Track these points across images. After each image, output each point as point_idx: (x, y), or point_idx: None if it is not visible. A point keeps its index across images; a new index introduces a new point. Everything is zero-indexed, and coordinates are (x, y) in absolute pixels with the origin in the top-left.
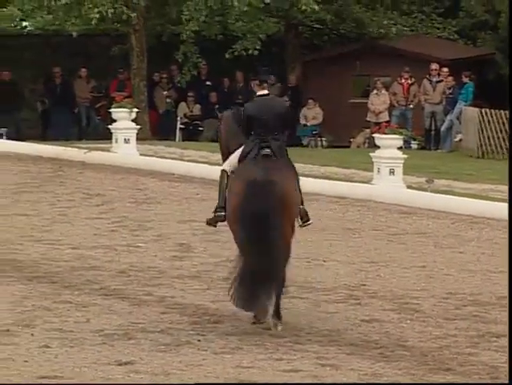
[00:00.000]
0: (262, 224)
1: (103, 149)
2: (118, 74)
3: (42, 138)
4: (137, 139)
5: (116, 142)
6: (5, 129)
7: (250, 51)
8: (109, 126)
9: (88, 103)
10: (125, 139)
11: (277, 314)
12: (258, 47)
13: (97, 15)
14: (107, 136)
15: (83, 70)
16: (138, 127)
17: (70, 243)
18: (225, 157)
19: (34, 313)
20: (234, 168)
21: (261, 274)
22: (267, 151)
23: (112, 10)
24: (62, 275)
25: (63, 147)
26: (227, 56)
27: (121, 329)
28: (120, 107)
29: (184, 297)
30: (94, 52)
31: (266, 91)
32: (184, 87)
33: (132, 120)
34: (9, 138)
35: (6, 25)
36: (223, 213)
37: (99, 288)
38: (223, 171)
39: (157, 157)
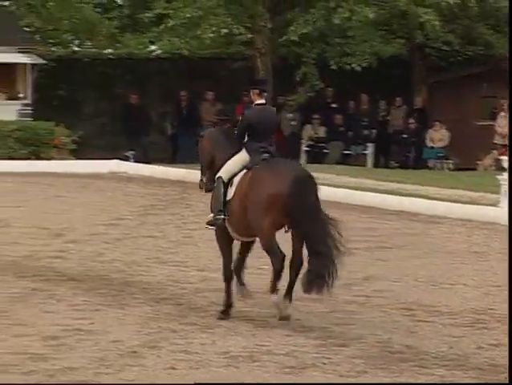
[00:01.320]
0: (317, 215)
1: None
2: (243, 97)
3: (171, 161)
4: None
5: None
6: (132, 152)
7: (362, 68)
8: None
9: (214, 126)
10: None
11: (289, 295)
12: (364, 64)
13: (211, 35)
14: None
15: (210, 93)
16: None
17: (195, 265)
18: (205, 169)
19: (160, 334)
20: (251, 170)
21: (324, 258)
22: (266, 155)
23: (227, 30)
24: (187, 297)
25: (189, 170)
26: (333, 67)
27: (246, 351)
28: None
29: (309, 320)
30: (220, 75)
31: (263, 101)
32: (307, 108)
33: None
34: (136, 161)
35: (135, 49)
36: (222, 216)
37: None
38: (219, 178)
39: None
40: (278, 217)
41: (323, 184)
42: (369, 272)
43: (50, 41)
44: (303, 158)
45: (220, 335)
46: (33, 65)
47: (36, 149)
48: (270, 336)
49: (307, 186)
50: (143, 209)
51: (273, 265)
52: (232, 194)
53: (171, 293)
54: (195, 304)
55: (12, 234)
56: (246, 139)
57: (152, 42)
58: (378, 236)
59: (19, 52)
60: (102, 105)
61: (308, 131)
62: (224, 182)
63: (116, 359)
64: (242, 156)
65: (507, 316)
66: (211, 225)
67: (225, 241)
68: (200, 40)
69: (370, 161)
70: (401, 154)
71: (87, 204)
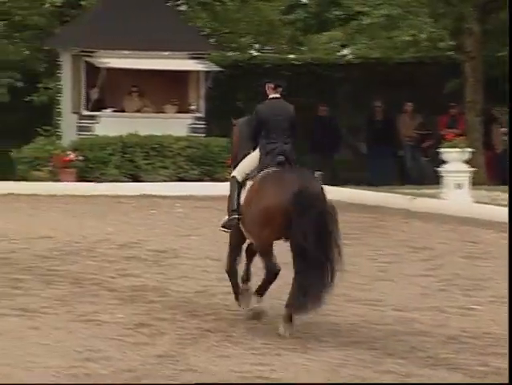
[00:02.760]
0: (324, 233)
1: (430, 196)
2: (449, 108)
3: (363, 183)
4: (471, 183)
5: (447, 187)
6: (319, 172)
7: None
8: (438, 168)
9: (413, 142)
10: (457, 184)
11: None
12: None
13: (409, 38)
14: (435, 181)
15: (409, 104)
16: (472, 169)
17: (392, 304)
18: (234, 163)
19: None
20: (259, 175)
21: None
22: (281, 158)
23: (425, 35)
24: (383, 341)
25: (385, 194)
26: None
27: None
28: (452, 146)
29: None
30: (420, 83)
31: (278, 95)
32: None
33: (465, 162)
34: (323, 182)
35: (322, 53)
36: (236, 216)
37: (425, 356)
38: (233, 177)
39: (494, 205)
40: (276, 230)
41: None
42: None
43: (226, 45)
44: None
45: None
46: (206, 72)
47: (209, 169)
48: None
49: (311, 199)
50: None
51: (264, 275)
52: (243, 198)
53: (363, 336)
54: (392, 349)
55: (182, 267)
56: (263, 136)
57: (343, 46)
58: None
59: (191, 58)
60: None
61: None
62: (238, 182)
63: None
64: (255, 157)
65: None
66: (226, 228)
67: (237, 240)
68: (395, 42)
69: None
70: None
71: None
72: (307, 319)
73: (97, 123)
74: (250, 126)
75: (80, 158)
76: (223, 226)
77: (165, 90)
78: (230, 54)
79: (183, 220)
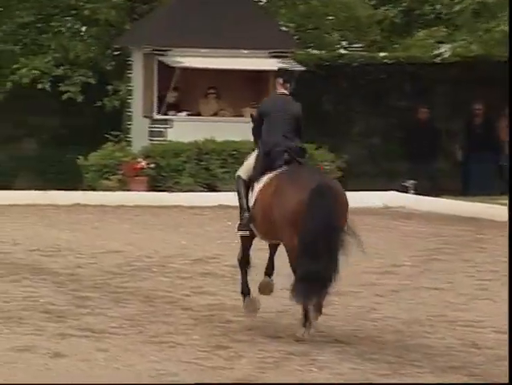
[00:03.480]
0: (330, 235)
1: None
2: None
3: (461, 193)
4: None
5: None
6: (413, 182)
7: None
8: None
9: None
10: None
11: (319, 308)
12: None
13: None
14: None
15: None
16: None
17: (493, 325)
18: None
19: None
20: (269, 176)
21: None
22: (287, 157)
23: None
24: (483, 366)
25: (484, 204)
26: None
27: None
28: None
29: None
30: None
31: (286, 91)
32: None
33: None
34: (417, 192)
35: (417, 52)
36: (247, 214)
37: None
38: (238, 177)
39: None
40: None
41: None
42: None
43: (311, 42)
44: None
45: None
46: (289, 72)
47: None
48: None
49: (327, 197)
50: (425, 254)
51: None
52: (253, 201)
53: (462, 361)
54: (493, 375)
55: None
56: (264, 132)
57: (440, 43)
58: None
59: (273, 57)
60: (375, 121)
61: None
62: (244, 181)
63: None
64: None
65: None
66: (242, 230)
67: (247, 240)
68: (493, 35)
69: None
70: None
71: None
72: (399, 343)
73: (170, 127)
74: (253, 120)
75: (152, 166)
76: (239, 229)
77: (244, 91)
78: (315, 52)
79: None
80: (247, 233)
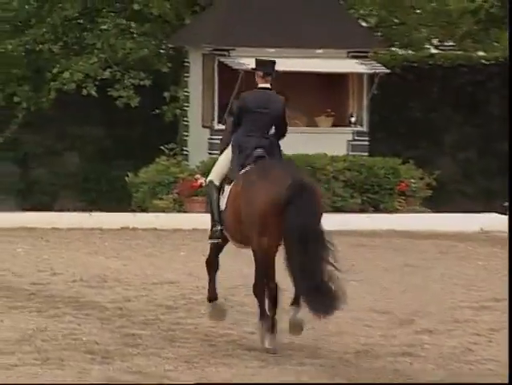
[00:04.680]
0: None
1: None
2: None
3: None
4: None
5: None
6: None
7: None
8: None
9: None
10: None
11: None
12: None
13: None
14: None
15: None
16: None
17: None
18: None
19: None
20: (242, 174)
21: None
22: (259, 151)
23: None
24: None
25: None
26: None
27: None
28: None
29: None
30: None
31: (268, 85)
32: None
33: None
34: None
35: None
36: (219, 228)
37: None
38: (210, 182)
39: None
40: (275, 233)
41: None
42: None
43: (396, 40)
44: None
45: None
46: (371, 75)
47: (373, 197)
48: None
49: (304, 195)
50: None
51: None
52: (224, 205)
53: None
54: None
55: (338, 320)
56: (240, 129)
57: None
58: None
59: (352, 57)
60: (470, 132)
61: None
62: (216, 187)
63: None
64: (230, 154)
65: None
66: (212, 240)
67: (215, 251)
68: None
69: None
70: None
71: (447, 276)
72: None
73: None
74: (230, 117)
75: None
76: (210, 238)
77: (319, 97)
78: (401, 51)
79: (340, 261)
80: (219, 240)
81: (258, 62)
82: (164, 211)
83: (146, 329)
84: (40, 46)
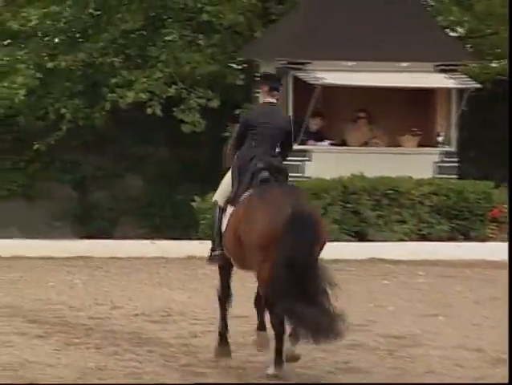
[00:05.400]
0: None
1: None
2: None
3: None
4: None
5: None
6: None
7: None
8: None
9: None
10: None
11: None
12: None
13: None
14: None
15: None
16: None
17: None
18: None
19: None
20: (242, 198)
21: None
22: (265, 175)
23: None
24: None
25: None
26: None
27: None
28: None
29: None
30: None
31: (274, 100)
32: None
33: None
34: None
35: None
36: (218, 252)
37: None
38: (215, 202)
39: None
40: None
41: None
42: None
43: (488, 52)
44: None
45: None
46: (460, 91)
47: (463, 224)
48: None
49: (303, 224)
50: None
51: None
52: (225, 225)
53: None
54: None
55: (426, 359)
56: (244, 146)
57: None
58: None
59: (439, 71)
60: None
61: None
62: (221, 207)
63: None
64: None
65: None
66: (211, 261)
67: (225, 272)
68: None
69: None
70: None
71: None
72: None
73: (308, 160)
74: (235, 133)
75: None
76: (209, 260)
77: (403, 115)
78: (494, 64)
79: (427, 294)
80: (217, 264)
81: (263, 76)
82: None
83: (214, 367)
84: (100, 59)
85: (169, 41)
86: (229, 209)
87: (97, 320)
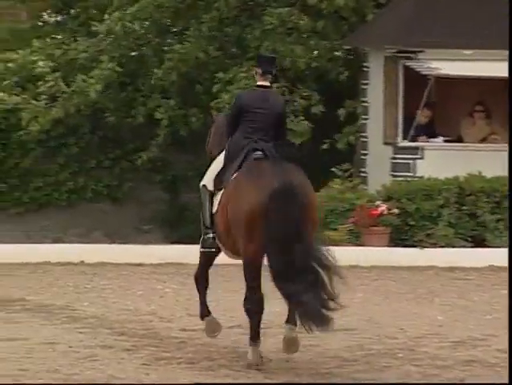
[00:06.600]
0: (293, 241)
1: None
2: None
3: None
4: None
5: None
6: None
7: None
8: None
9: None
10: None
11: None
12: None
13: None
14: None
15: None
16: None
17: None
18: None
19: None
20: (233, 177)
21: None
22: (258, 154)
23: None
24: None
25: None
26: None
27: None
28: None
29: None
30: None
31: (267, 83)
32: None
33: None
34: None
35: None
36: (211, 235)
37: None
38: (203, 186)
39: None
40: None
41: None
42: None
43: None
44: None
45: None
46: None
47: None
48: None
49: (291, 199)
50: None
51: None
52: (216, 207)
53: None
54: None
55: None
56: (238, 131)
57: None
58: None
59: None
60: None
61: None
62: (209, 191)
63: None
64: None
65: None
66: (205, 248)
67: (204, 263)
68: None
69: None
70: None
71: None
72: None
73: (420, 158)
74: (227, 117)
75: (395, 211)
76: (202, 247)
77: None
78: None
79: (486, 306)
80: (212, 249)
81: (258, 58)
82: (337, 244)
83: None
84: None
85: (268, 29)
86: (219, 194)
87: (189, 332)
